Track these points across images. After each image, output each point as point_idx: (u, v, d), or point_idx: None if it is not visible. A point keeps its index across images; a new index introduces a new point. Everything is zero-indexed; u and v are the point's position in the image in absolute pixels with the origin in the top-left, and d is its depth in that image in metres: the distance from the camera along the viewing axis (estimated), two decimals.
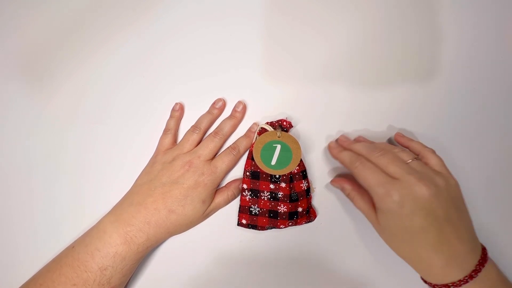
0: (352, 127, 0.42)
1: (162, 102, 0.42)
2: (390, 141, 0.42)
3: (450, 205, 0.33)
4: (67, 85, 0.43)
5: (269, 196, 0.39)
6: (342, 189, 0.40)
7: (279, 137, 0.38)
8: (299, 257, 0.42)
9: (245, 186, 0.40)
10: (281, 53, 0.43)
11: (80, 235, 0.38)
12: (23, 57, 0.43)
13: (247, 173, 0.40)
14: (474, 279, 0.32)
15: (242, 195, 0.40)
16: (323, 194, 0.42)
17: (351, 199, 0.39)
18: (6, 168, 0.42)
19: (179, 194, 0.37)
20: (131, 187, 0.40)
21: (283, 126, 0.40)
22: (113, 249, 0.35)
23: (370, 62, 0.43)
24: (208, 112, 0.42)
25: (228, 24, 0.43)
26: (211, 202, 0.40)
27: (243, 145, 0.41)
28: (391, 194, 0.33)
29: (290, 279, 0.41)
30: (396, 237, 0.34)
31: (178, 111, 0.42)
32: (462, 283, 0.32)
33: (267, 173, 0.39)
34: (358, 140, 0.41)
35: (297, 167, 0.39)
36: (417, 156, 0.36)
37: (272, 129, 0.39)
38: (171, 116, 0.42)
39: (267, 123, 0.40)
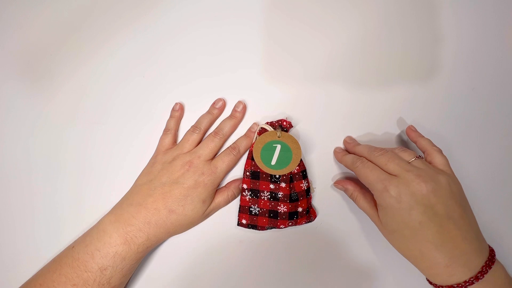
0: (352, 127, 0.42)
1: (162, 102, 0.42)
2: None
3: (451, 202, 0.33)
4: (67, 85, 0.43)
5: (269, 196, 0.39)
6: (345, 190, 0.40)
7: (279, 137, 0.38)
8: (299, 257, 0.42)
9: (245, 186, 0.40)
10: (281, 53, 0.43)
11: (80, 235, 0.38)
12: (23, 57, 0.43)
13: (247, 173, 0.39)
14: (480, 280, 0.32)
15: (242, 195, 0.40)
16: (323, 194, 0.42)
17: (354, 200, 0.39)
18: (6, 168, 0.42)
19: (179, 194, 0.37)
20: (131, 187, 0.40)
21: (283, 126, 0.40)
22: (113, 249, 0.35)
23: (370, 62, 0.43)
24: (208, 112, 0.42)
25: (228, 24, 0.43)
26: (211, 202, 0.40)
27: (243, 145, 0.41)
28: (388, 189, 0.33)
29: (290, 279, 0.41)
30: (397, 234, 0.34)
31: (178, 111, 0.42)
32: (467, 284, 0.32)
33: (267, 173, 0.39)
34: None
35: (297, 167, 0.39)
36: (420, 156, 0.36)
37: (272, 129, 0.39)
38: (171, 116, 0.42)
39: (267, 123, 0.40)
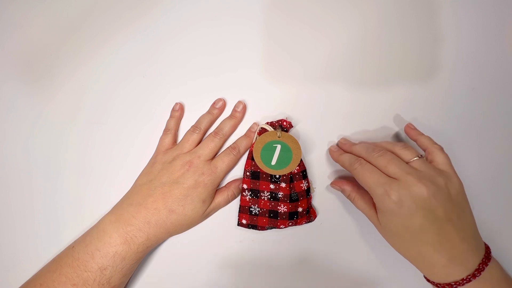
0: (352, 127, 0.42)
1: (162, 102, 0.42)
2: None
3: (450, 204, 0.33)
4: (67, 85, 0.43)
5: (269, 196, 0.39)
6: (342, 191, 0.40)
7: (279, 137, 0.38)
8: (299, 257, 0.42)
9: (245, 186, 0.40)
10: (281, 53, 0.43)
11: (80, 235, 0.38)
12: (23, 57, 0.43)
13: (247, 173, 0.39)
14: (477, 278, 0.32)
15: (242, 195, 0.40)
16: (323, 194, 0.42)
17: (352, 200, 0.39)
18: (6, 168, 0.42)
19: (179, 194, 0.37)
20: (131, 187, 0.40)
21: (283, 126, 0.40)
22: (113, 249, 0.35)
23: (370, 62, 0.43)
24: (208, 112, 0.42)
25: (228, 24, 0.43)
26: (211, 202, 0.40)
27: (243, 145, 0.41)
28: (389, 194, 0.32)
29: (290, 279, 0.41)
30: (397, 237, 0.34)
31: (178, 111, 0.42)
32: (465, 282, 0.32)
33: (267, 173, 0.39)
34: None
35: (297, 167, 0.39)
36: (421, 154, 0.36)
37: (272, 129, 0.39)
38: (171, 116, 0.42)
39: (267, 123, 0.40)
